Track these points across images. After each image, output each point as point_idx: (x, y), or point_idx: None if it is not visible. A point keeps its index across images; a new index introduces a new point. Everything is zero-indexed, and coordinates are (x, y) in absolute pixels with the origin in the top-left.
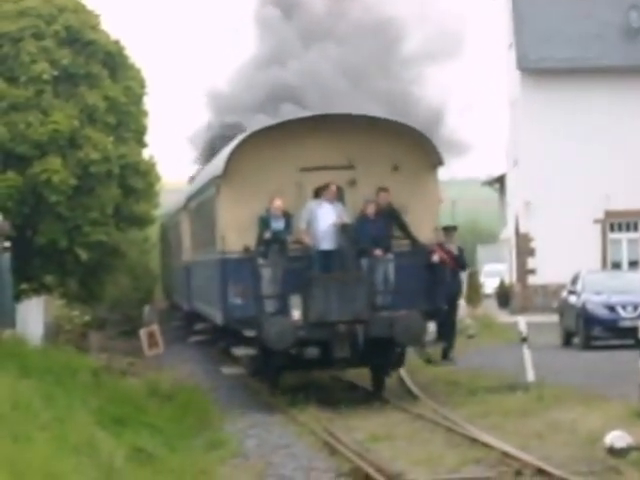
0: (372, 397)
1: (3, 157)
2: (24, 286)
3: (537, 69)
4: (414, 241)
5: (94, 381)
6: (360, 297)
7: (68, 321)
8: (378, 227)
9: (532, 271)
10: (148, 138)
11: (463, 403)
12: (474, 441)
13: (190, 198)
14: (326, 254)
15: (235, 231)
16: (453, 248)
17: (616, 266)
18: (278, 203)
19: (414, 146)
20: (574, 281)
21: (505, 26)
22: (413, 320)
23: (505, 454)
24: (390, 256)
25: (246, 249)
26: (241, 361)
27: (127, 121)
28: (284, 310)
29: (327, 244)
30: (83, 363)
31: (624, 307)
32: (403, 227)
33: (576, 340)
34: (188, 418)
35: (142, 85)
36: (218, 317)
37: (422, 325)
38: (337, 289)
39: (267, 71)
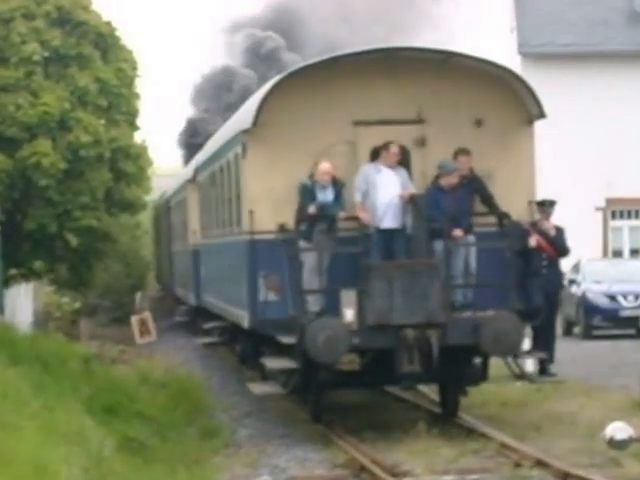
0: (443, 421)
1: None
2: (13, 272)
3: (539, 54)
4: (503, 218)
5: (84, 369)
6: (434, 292)
7: (58, 308)
8: (456, 200)
9: None
10: (140, 121)
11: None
12: (472, 432)
13: (200, 168)
14: (389, 235)
15: (267, 204)
16: (550, 229)
17: (617, 254)
18: (326, 167)
19: (504, 93)
20: (574, 269)
21: (506, 10)
22: (506, 323)
23: (504, 445)
24: (472, 238)
25: (282, 228)
26: (270, 374)
27: (119, 104)
28: (333, 310)
29: (390, 222)
30: (73, 351)
31: (625, 296)
32: (488, 200)
33: (576, 330)
34: (180, 407)
35: (134, 67)
36: (243, 318)
37: (518, 329)
38: (403, 282)
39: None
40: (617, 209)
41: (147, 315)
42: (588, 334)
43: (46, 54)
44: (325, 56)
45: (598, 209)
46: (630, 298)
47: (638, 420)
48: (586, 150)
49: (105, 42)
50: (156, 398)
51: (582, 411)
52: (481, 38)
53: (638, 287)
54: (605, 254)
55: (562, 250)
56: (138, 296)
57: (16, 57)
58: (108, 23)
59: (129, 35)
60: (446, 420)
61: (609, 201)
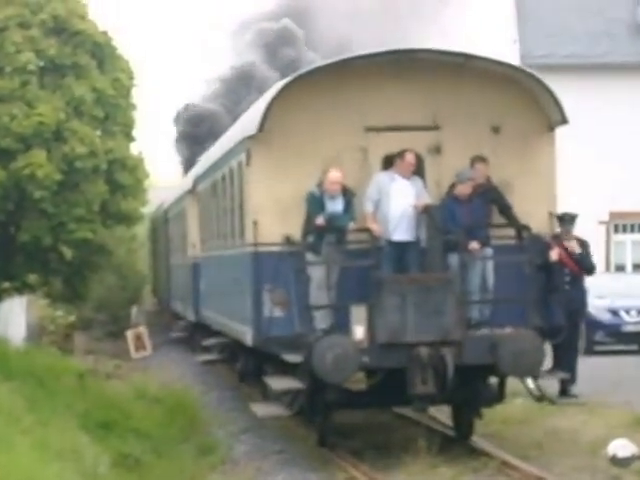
0: (456, 444)
1: None
2: (6, 285)
3: (541, 65)
4: (522, 230)
5: (79, 384)
6: (449, 309)
7: (52, 321)
8: (473, 211)
9: None
10: (136, 132)
11: None
12: (472, 450)
13: (199, 178)
14: (401, 248)
15: (273, 214)
16: (573, 244)
17: (620, 268)
18: (335, 176)
19: (523, 98)
20: None
21: (509, 21)
22: (525, 341)
23: (504, 464)
24: (489, 251)
25: (288, 240)
26: (273, 393)
27: (115, 114)
28: (342, 326)
29: (402, 234)
30: (67, 365)
31: (628, 311)
32: (507, 211)
33: (578, 345)
34: (176, 422)
35: (131, 77)
36: (246, 335)
37: (539, 348)
38: (417, 297)
39: None
40: (620, 223)
41: (142, 330)
42: (590, 350)
43: (41, 64)
44: (335, 58)
45: (601, 223)
46: (633, 313)
47: None
48: (588, 163)
49: (101, 52)
50: (152, 414)
51: (584, 428)
52: (484, 49)
53: None
54: (608, 268)
55: (587, 267)
56: (134, 310)
57: (11, 66)
58: (105, 32)
59: (126, 45)
60: (459, 443)
61: (612, 215)
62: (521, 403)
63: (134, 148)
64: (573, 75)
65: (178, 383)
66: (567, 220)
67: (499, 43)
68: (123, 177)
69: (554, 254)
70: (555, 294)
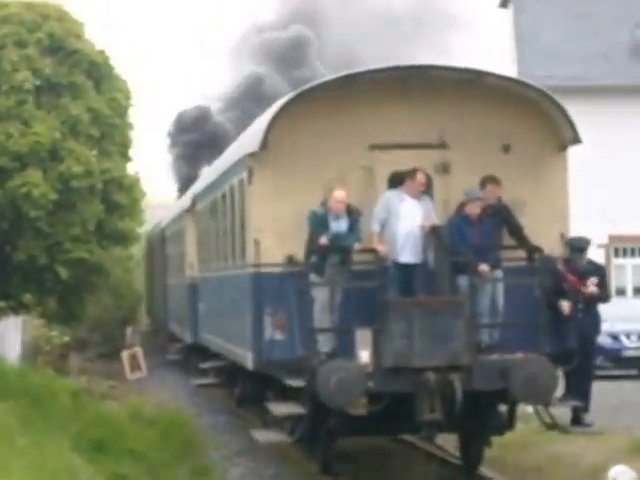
0: (464, 474)
1: None
2: (1, 304)
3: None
4: (534, 252)
5: (73, 405)
6: (457, 332)
7: (47, 341)
8: (483, 231)
9: None
10: (133, 152)
11: None
12: (471, 474)
13: (198, 197)
14: (408, 269)
15: (275, 234)
16: (590, 288)
17: (620, 292)
18: (340, 195)
19: (534, 116)
20: None
21: (507, 43)
22: (538, 367)
23: None
24: (499, 274)
25: (291, 260)
26: (273, 418)
27: (112, 134)
28: (346, 350)
29: (409, 255)
30: (62, 386)
31: (628, 336)
32: (518, 232)
33: None
34: (171, 444)
35: (128, 97)
36: (246, 358)
37: (552, 374)
38: (424, 320)
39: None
40: (620, 246)
41: (138, 350)
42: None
43: (38, 82)
44: (340, 73)
45: (600, 246)
46: (633, 338)
47: None
48: (587, 186)
49: (98, 71)
50: (147, 435)
51: (584, 453)
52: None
53: None
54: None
55: (603, 294)
56: (129, 331)
57: (7, 85)
58: (102, 52)
59: (123, 64)
60: (467, 473)
61: (612, 238)
62: (521, 427)
63: (131, 167)
64: (572, 97)
65: (173, 404)
66: (578, 244)
67: (498, 64)
68: (119, 197)
69: (565, 307)
70: (569, 320)
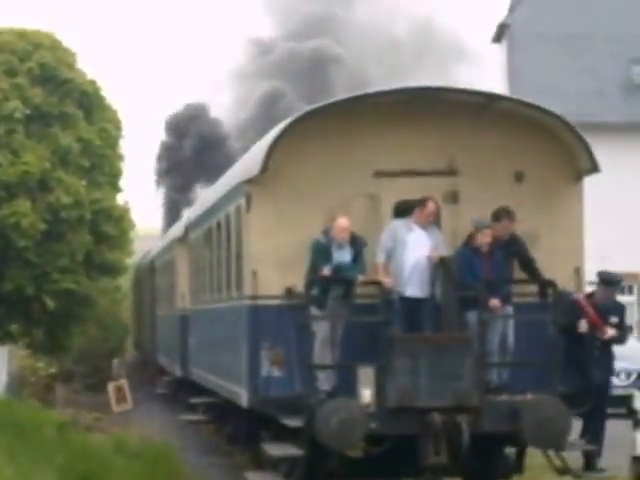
0: None
1: None
2: None
3: None
4: (547, 287)
5: (59, 437)
6: (465, 371)
7: (33, 372)
8: (493, 264)
9: None
10: (123, 182)
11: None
12: None
13: (192, 225)
14: (415, 303)
15: (273, 264)
16: (610, 331)
17: None
18: (344, 223)
19: (548, 143)
20: None
21: (500, 77)
22: (551, 409)
23: None
24: (510, 309)
25: (290, 292)
26: (269, 460)
27: (102, 164)
28: (347, 388)
29: (416, 288)
30: (48, 417)
31: (617, 374)
32: (529, 265)
33: None
34: (156, 477)
35: (118, 127)
36: (241, 395)
37: (565, 417)
38: (430, 358)
39: None
40: None
41: (124, 382)
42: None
43: (28, 112)
44: (344, 95)
45: (591, 284)
46: (622, 376)
47: None
48: None
49: (89, 101)
50: (132, 467)
51: None
52: None
53: (630, 365)
54: None
55: (621, 335)
56: (115, 362)
57: None
58: (93, 82)
59: (114, 93)
60: None
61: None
62: (528, 466)
63: (120, 198)
64: None
65: (158, 437)
66: (612, 283)
67: None
68: (108, 228)
69: (583, 326)
70: (584, 361)
